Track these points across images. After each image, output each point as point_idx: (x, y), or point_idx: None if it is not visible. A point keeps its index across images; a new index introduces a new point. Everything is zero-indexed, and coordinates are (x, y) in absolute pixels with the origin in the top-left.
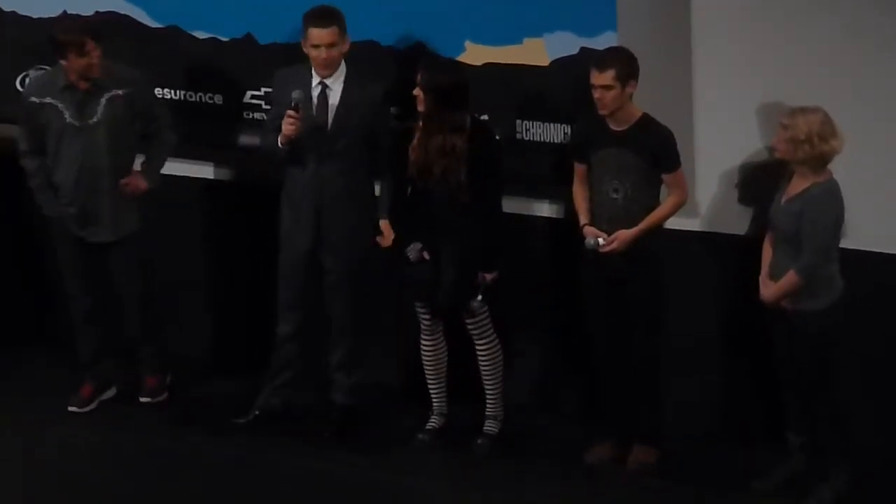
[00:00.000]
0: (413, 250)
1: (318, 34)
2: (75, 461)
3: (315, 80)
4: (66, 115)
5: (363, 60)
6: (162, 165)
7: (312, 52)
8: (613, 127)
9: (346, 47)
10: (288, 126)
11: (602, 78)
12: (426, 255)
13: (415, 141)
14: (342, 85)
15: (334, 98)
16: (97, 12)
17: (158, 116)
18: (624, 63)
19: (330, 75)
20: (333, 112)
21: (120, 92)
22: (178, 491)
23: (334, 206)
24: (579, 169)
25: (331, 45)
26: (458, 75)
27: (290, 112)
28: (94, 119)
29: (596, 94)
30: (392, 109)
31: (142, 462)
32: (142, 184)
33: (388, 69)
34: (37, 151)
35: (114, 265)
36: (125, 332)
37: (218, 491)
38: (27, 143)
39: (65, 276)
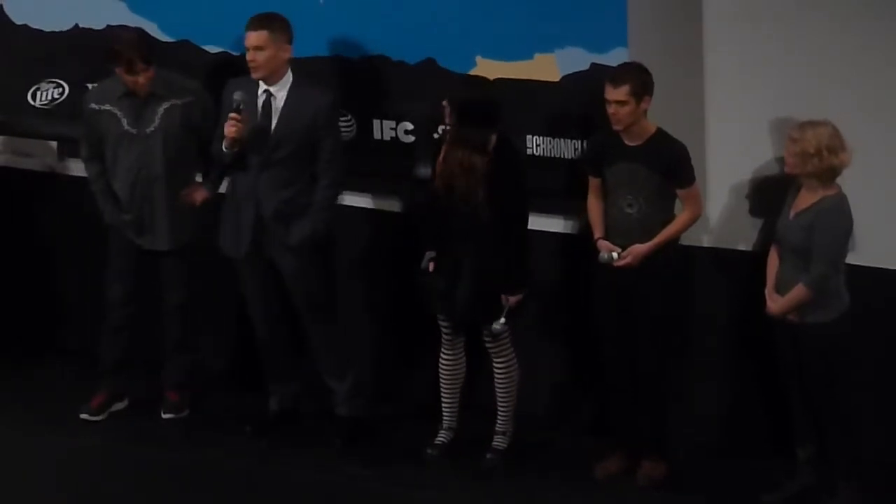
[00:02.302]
0: (425, 258)
1: (247, 36)
2: (83, 472)
3: (262, 87)
4: (124, 122)
5: (373, 74)
6: (222, 177)
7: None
8: (628, 142)
9: (283, 55)
10: (230, 128)
11: (616, 93)
12: (431, 267)
13: (441, 154)
14: (286, 94)
15: (278, 106)
16: (108, 26)
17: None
18: (638, 78)
19: (273, 82)
20: (275, 121)
21: (178, 102)
22: (184, 503)
23: (275, 214)
24: (594, 182)
25: (257, 49)
26: (481, 94)
27: (232, 114)
28: (151, 128)
29: (610, 110)
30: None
31: (150, 473)
32: (201, 194)
33: (397, 83)
34: (97, 157)
35: (164, 274)
36: (165, 340)
37: (226, 503)
38: (88, 150)
39: (111, 283)
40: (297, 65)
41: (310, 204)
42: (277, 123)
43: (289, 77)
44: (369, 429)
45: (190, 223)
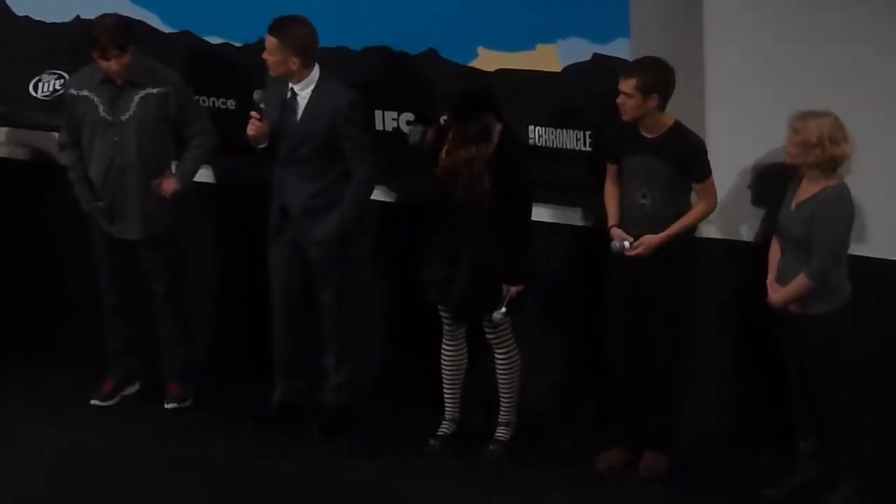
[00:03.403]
0: (415, 132)
1: (266, 39)
2: (84, 467)
3: (289, 84)
4: (100, 108)
5: (375, 65)
6: (194, 168)
7: None
8: (644, 133)
9: (290, 66)
10: (249, 127)
11: (624, 85)
12: (429, 135)
13: (443, 153)
14: (310, 93)
15: (301, 104)
16: None
17: (195, 120)
18: (649, 74)
19: (296, 81)
20: (297, 119)
21: (154, 91)
22: (185, 496)
23: (304, 209)
24: (611, 169)
25: (269, 52)
26: (474, 85)
27: (252, 113)
28: (126, 115)
29: (618, 99)
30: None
31: (151, 468)
32: (171, 185)
33: (399, 74)
34: (75, 144)
35: (143, 264)
36: (159, 332)
37: (227, 497)
38: (66, 136)
39: (97, 270)
40: None
41: (339, 199)
42: (300, 121)
43: (314, 75)
44: (351, 420)
45: (164, 213)
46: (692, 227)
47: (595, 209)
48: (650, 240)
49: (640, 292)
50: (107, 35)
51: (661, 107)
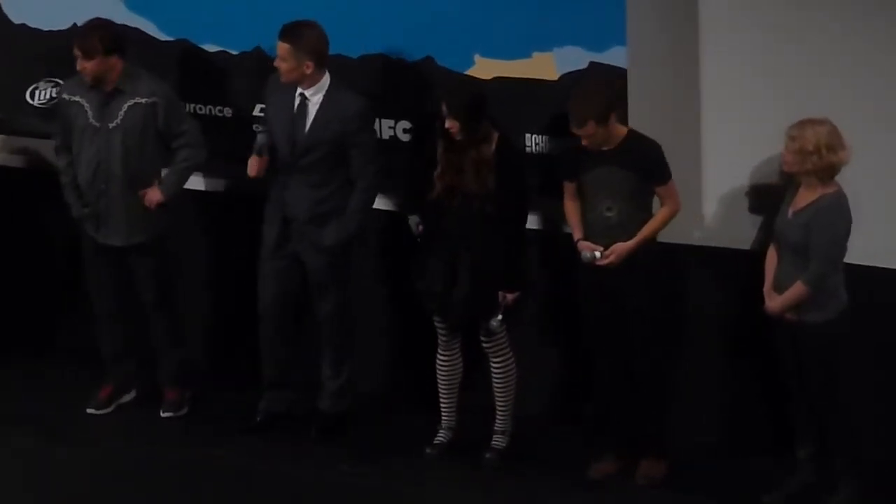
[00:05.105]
0: (411, 224)
1: (277, 45)
2: (83, 471)
3: (298, 90)
4: (89, 114)
5: (372, 73)
6: (179, 180)
7: None
8: (603, 147)
9: (304, 70)
10: (250, 168)
11: (583, 131)
12: (419, 230)
13: (439, 169)
14: (321, 98)
15: (312, 110)
16: None
17: (183, 133)
18: (598, 107)
19: (307, 87)
20: (308, 126)
21: (142, 101)
22: (184, 500)
23: (310, 216)
24: (569, 187)
25: (280, 58)
26: (476, 89)
27: (254, 157)
28: (113, 123)
29: (583, 141)
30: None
31: (149, 472)
32: (154, 196)
33: (396, 82)
34: (67, 149)
35: (133, 270)
36: (152, 339)
37: (226, 500)
38: (60, 140)
39: (87, 276)
40: None
41: (343, 206)
42: (310, 128)
43: (325, 82)
44: (349, 425)
45: (150, 222)
46: (658, 232)
47: None
48: (621, 248)
49: (614, 301)
50: (77, 35)
51: (621, 120)
